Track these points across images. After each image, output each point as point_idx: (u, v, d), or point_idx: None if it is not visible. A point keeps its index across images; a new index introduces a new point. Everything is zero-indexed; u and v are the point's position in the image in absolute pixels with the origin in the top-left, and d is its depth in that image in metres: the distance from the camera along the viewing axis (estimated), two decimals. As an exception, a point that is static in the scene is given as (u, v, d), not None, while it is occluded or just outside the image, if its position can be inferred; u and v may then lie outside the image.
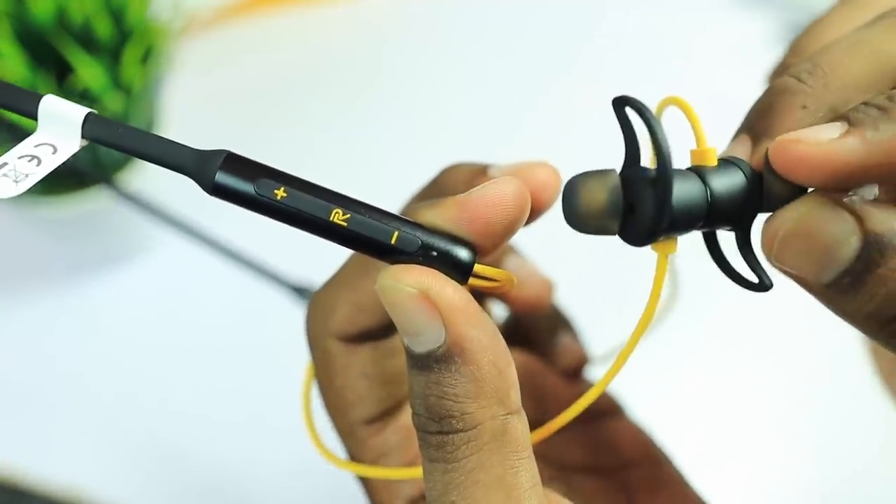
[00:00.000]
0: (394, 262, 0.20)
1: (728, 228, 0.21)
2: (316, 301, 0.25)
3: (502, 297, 0.28)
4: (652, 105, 0.23)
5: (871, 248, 0.19)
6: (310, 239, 0.20)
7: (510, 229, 0.20)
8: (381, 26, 0.64)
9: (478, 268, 0.20)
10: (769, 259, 0.20)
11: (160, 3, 0.46)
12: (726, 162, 0.21)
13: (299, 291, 0.41)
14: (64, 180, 0.44)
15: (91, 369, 0.48)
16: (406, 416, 0.25)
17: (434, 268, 0.19)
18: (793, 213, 0.20)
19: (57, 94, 0.19)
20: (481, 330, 0.19)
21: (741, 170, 0.21)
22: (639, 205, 0.20)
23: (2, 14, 0.43)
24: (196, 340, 0.49)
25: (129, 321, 0.50)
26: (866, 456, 0.47)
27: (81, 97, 0.42)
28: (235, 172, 0.19)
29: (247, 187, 0.19)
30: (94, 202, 0.44)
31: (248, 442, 0.46)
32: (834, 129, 0.19)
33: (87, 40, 0.44)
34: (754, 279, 0.21)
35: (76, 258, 0.51)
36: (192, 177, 0.19)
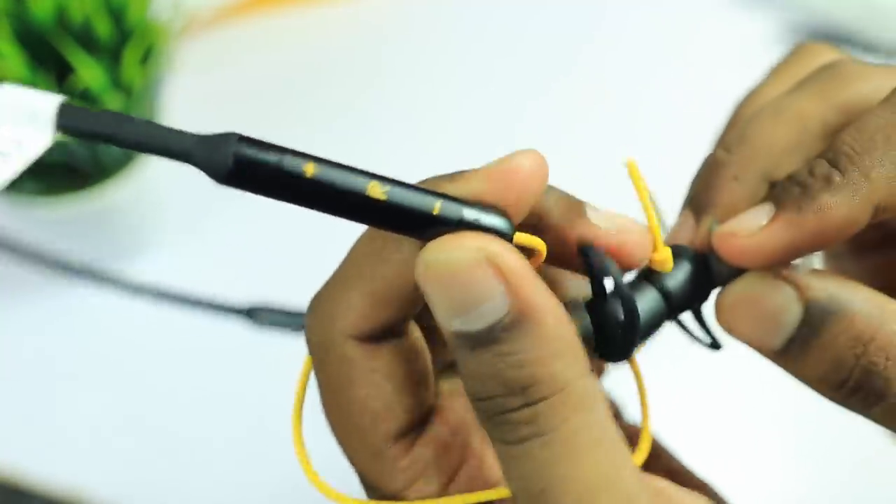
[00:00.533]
0: (432, 237, 0.18)
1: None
2: (319, 303, 0.21)
3: None
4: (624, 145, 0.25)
5: (813, 314, 0.20)
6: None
7: (533, 200, 0.19)
8: (381, 26, 0.64)
9: (517, 236, 0.19)
10: (724, 330, 0.22)
11: (160, 3, 0.46)
12: (674, 254, 0.23)
13: (249, 314, 0.40)
14: (64, 180, 0.44)
15: (91, 369, 0.48)
16: (436, 428, 0.22)
17: None
18: (738, 288, 0.22)
19: (57, 94, 0.19)
20: (545, 290, 0.18)
21: (687, 259, 0.23)
22: (609, 335, 0.21)
23: (2, 14, 0.43)
24: (197, 341, 0.49)
25: (129, 321, 0.50)
26: (868, 461, 0.47)
27: (81, 97, 0.42)
28: (253, 155, 0.17)
29: (271, 168, 0.17)
30: (94, 202, 0.44)
31: (249, 443, 0.46)
32: (762, 215, 0.21)
33: (87, 40, 0.44)
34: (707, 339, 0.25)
35: (75, 258, 0.51)
36: (199, 165, 0.17)
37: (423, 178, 0.20)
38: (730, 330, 0.22)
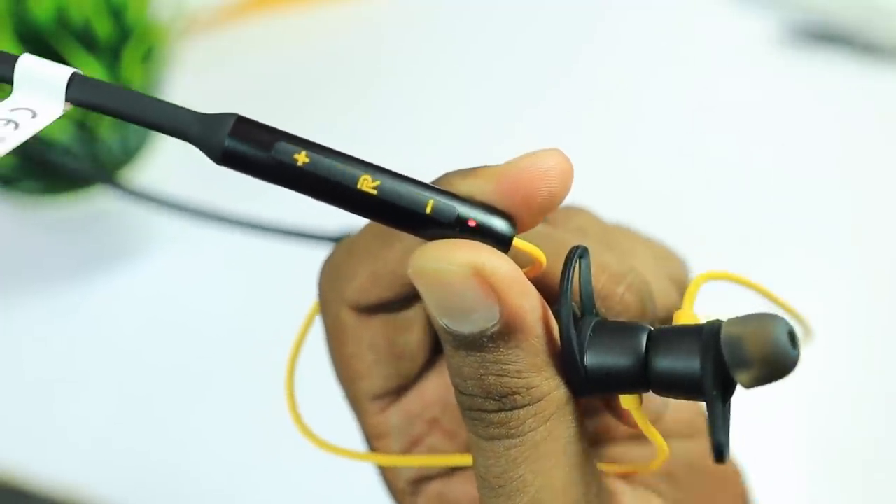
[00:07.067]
0: (427, 236, 0.18)
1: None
2: (332, 265, 0.23)
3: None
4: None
5: None
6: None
7: (550, 204, 0.19)
8: (381, 26, 0.64)
9: (515, 242, 0.18)
10: None
11: (161, 3, 0.46)
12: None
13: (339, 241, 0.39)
14: (64, 180, 0.44)
15: (91, 369, 0.48)
16: (411, 401, 0.24)
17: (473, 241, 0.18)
18: None
19: (69, 67, 0.18)
20: (534, 300, 0.18)
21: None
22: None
23: (2, 14, 0.43)
24: (198, 340, 0.49)
25: (129, 321, 0.50)
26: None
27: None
28: (248, 137, 0.17)
29: (262, 153, 0.17)
30: (94, 202, 0.44)
31: (251, 442, 0.46)
32: None
33: (87, 40, 0.44)
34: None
35: (76, 258, 0.51)
36: (197, 144, 0.17)
37: (425, 177, 0.20)
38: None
